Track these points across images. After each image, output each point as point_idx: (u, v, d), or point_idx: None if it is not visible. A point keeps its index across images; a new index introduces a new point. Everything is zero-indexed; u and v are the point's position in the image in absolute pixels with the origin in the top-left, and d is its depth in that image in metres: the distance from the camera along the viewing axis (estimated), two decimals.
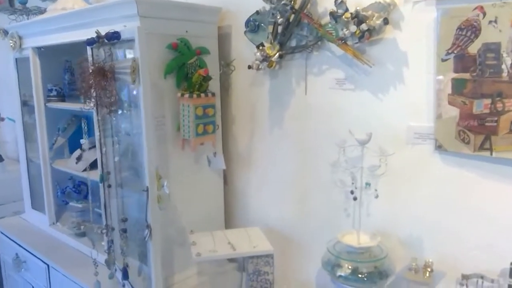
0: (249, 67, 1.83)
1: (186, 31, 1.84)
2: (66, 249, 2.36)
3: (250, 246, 1.78)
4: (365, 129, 1.55)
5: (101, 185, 2.01)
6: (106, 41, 1.60)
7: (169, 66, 1.78)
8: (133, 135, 1.79)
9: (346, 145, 1.55)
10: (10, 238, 2.63)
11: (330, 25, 1.61)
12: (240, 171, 2.12)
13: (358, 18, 1.52)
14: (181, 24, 1.83)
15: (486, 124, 1.35)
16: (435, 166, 1.49)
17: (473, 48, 1.34)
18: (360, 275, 1.52)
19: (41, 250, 2.36)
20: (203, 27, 1.93)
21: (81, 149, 2.49)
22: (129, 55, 1.60)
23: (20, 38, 2.47)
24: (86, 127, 2.85)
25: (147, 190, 1.46)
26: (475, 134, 1.37)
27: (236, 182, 2.15)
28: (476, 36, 1.33)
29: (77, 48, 2.82)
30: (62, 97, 2.66)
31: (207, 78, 1.84)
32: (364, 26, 1.49)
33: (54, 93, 2.63)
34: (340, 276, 1.51)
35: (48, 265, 2.27)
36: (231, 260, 2.09)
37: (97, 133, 1.92)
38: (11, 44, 2.51)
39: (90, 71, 1.59)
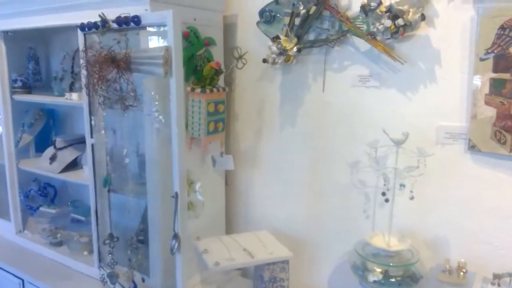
0: (264, 60, 1.71)
1: (195, 19, 1.68)
2: (41, 260, 2.09)
3: (267, 253, 1.67)
4: (390, 128, 1.49)
5: (92, 189, 1.79)
6: (116, 26, 1.40)
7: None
8: (140, 133, 1.60)
9: (378, 145, 1.49)
10: None
11: (360, 19, 1.53)
12: (243, 171, 1.99)
13: (393, 13, 1.45)
14: (190, 12, 1.66)
15: None
16: (466, 166, 1.47)
17: None
18: (392, 279, 1.47)
19: (10, 262, 2.07)
20: (210, 15, 1.78)
21: (54, 147, 2.21)
22: (144, 43, 1.42)
23: None
24: (53, 123, 2.59)
25: (176, 197, 1.30)
26: None
27: (238, 183, 2.02)
28: None
29: (43, 33, 2.54)
30: (28, 89, 2.36)
31: (219, 72, 1.69)
32: (400, 21, 1.43)
33: (19, 84, 2.32)
34: (374, 281, 1.45)
35: (22, 280, 1.99)
36: None
37: (102, 132, 1.69)
38: None
39: (99, 60, 1.38)
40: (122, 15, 1.37)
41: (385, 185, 1.51)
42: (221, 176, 1.96)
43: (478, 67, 1.40)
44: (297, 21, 1.68)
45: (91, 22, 1.54)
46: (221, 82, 1.82)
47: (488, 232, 1.47)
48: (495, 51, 1.36)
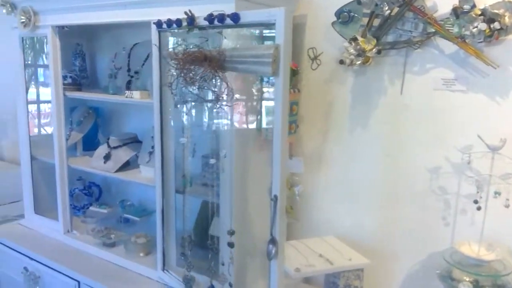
0: (341, 62, 1.67)
1: None
2: (95, 261, 2.04)
3: (345, 259, 1.63)
4: (476, 134, 1.46)
5: (159, 190, 1.74)
6: (208, 23, 1.35)
7: None
8: (220, 132, 1.56)
9: (472, 151, 1.44)
10: (14, 249, 2.24)
11: (451, 21, 1.49)
12: (307, 175, 1.94)
13: (487, 16, 1.41)
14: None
15: None
16: None
17: None
18: None
19: (63, 263, 2.02)
20: None
21: (108, 146, 2.16)
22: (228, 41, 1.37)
23: (35, 14, 2.09)
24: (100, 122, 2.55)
25: (275, 200, 1.25)
26: None
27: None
28: None
29: (90, 30, 2.49)
30: (78, 86, 2.32)
31: (295, 72, 1.65)
32: (496, 25, 1.39)
33: (69, 80, 2.28)
34: None
35: (78, 282, 1.94)
36: None
37: (185, 133, 1.64)
38: (22, 21, 2.12)
39: (187, 59, 1.33)
40: (216, 12, 1.33)
41: (478, 192, 1.46)
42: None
43: None
44: (376, 22, 1.65)
45: (171, 19, 1.50)
46: None
47: None
48: None
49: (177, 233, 1.82)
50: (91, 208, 2.31)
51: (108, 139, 2.20)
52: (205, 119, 1.60)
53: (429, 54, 1.61)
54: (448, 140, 1.58)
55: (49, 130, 2.44)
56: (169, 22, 1.51)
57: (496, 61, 1.47)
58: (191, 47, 1.38)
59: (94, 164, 2.15)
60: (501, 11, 1.40)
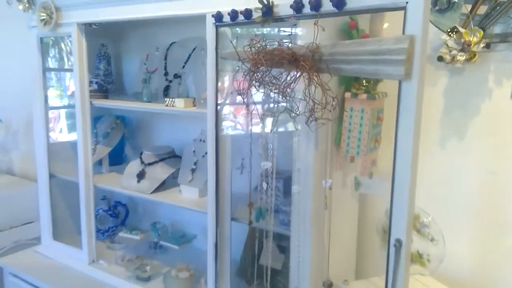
0: (440, 59, 1.36)
1: None
2: None
3: None
4: None
5: (212, 218, 1.42)
6: (294, 12, 1.04)
7: None
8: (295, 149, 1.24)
9: None
10: (29, 283, 1.92)
11: None
12: (381, 196, 1.62)
13: None
14: None
15: None
16: None
17: None
18: None
19: None
20: None
21: (142, 162, 1.85)
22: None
23: (57, 9, 1.79)
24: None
25: (399, 245, 0.93)
26: None
27: (371, 211, 1.65)
28: None
29: (115, 29, 2.19)
30: (104, 93, 2.02)
31: None
32: None
33: (95, 86, 1.98)
34: None
35: None
36: None
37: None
38: (43, 17, 1.82)
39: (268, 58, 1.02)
40: None
41: None
42: (356, 202, 1.60)
43: None
44: (481, 10, 1.34)
45: (235, 10, 1.19)
46: None
47: None
48: None
49: (232, 267, 1.51)
50: (121, 234, 1.99)
51: (141, 153, 1.88)
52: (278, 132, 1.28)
53: None
54: None
55: (66, 140, 2.15)
56: (234, 14, 1.20)
57: None
58: (264, 44, 1.07)
59: (126, 184, 1.83)
60: None
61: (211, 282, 1.49)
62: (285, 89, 1.02)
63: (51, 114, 2.10)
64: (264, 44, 1.05)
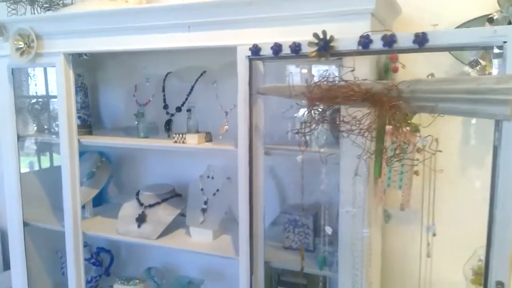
0: None
1: None
2: None
3: None
4: None
5: (242, 267, 1.30)
6: (361, 48, 0.99)
7: None
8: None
9: None
10: None
11: None
12: (404, 228, 1.61)
13: None
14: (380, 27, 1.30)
15: None
16: None
17: None
18: None
19: None
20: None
21: (140, 204, 1.67)
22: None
23: (37, 37, 1.58)
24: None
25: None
26: None
27: (395, 241, 1.63)
28: None
29: (91, 57, 1.99)
30: (88, 128, 1.82)
31: None
32: None
33: (78, 122, 1.77)
34: None
35: None
36: None
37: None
38: (19, 46, 1.60)
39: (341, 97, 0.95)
40: (388, 33, 0.97)
41: None
42: (381, 233, 1.57)
43: None
44: None
45: (278, 43, 1.11)
46: None
47: None
48: None
49: None
50: (117, 286, 1.76)
51: (138, 194, 1.70)
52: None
53: None
54: None
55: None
56: (277, 48, 1.12)
57: None
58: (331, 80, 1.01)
59: (123, 230, 1.64)
60: None
61: None
62: (369, 128, 0.96)
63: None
64: (331, 80, 0.99)
